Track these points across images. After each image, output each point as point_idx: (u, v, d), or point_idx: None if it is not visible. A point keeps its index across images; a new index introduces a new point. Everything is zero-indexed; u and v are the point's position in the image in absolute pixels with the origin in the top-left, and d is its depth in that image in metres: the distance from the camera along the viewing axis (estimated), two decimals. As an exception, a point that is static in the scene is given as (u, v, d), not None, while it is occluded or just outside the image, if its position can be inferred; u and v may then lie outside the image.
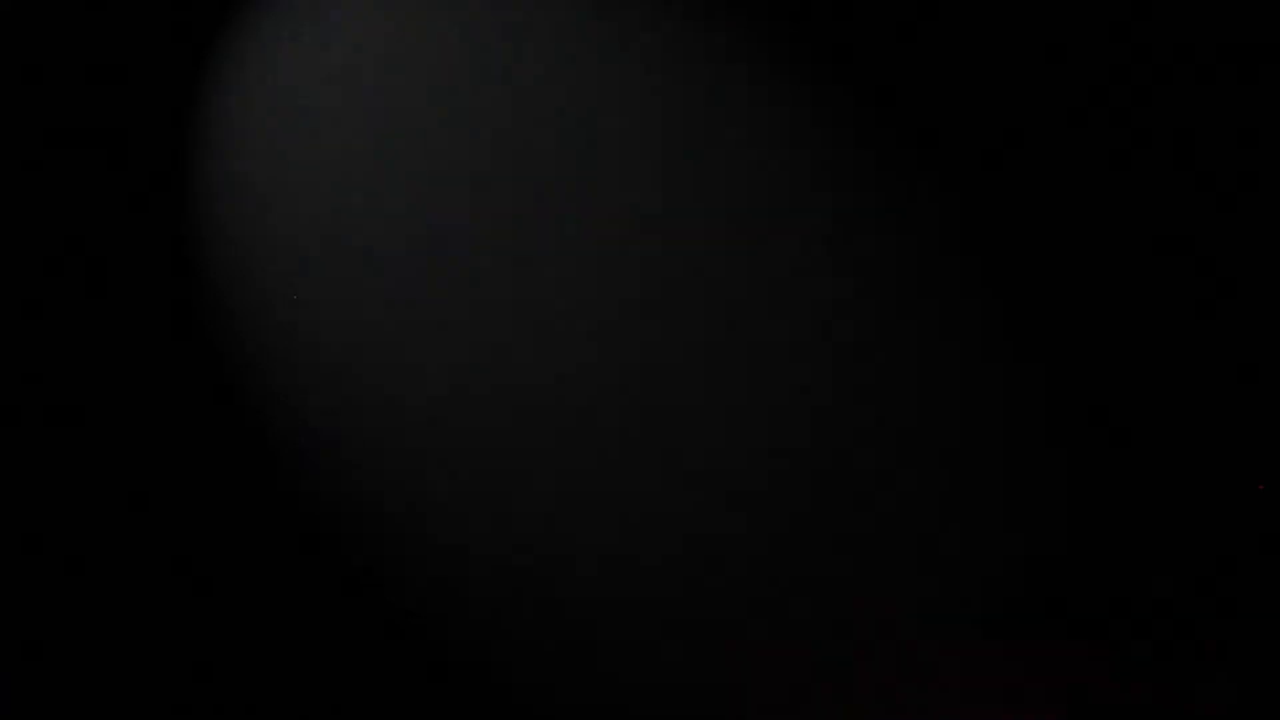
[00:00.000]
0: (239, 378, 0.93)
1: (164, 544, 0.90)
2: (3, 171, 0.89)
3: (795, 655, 0.84)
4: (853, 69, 0.88)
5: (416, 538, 0.93)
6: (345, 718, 0.91)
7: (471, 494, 0.93)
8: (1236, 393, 0.91)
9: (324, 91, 0.92)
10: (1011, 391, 0.85)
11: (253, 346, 0.94)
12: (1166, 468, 0.88)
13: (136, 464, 0.90)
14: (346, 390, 0.93)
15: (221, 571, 0.89)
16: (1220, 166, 0.99)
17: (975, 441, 0.78)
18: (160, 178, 0.90)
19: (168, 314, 0.89)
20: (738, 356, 0.94)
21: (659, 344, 0.92)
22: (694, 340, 0.92)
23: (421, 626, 0.90)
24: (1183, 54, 0.91)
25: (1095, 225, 0.95)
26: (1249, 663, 0.85)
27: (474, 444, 0.93)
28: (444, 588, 0.91)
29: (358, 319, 0.93)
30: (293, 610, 0.90)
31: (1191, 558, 0.86)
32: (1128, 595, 1.00)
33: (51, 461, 0.90)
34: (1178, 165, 0.91)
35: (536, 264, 0.92)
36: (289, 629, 0.90)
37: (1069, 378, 0.89)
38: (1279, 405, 0.92)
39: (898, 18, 0.88)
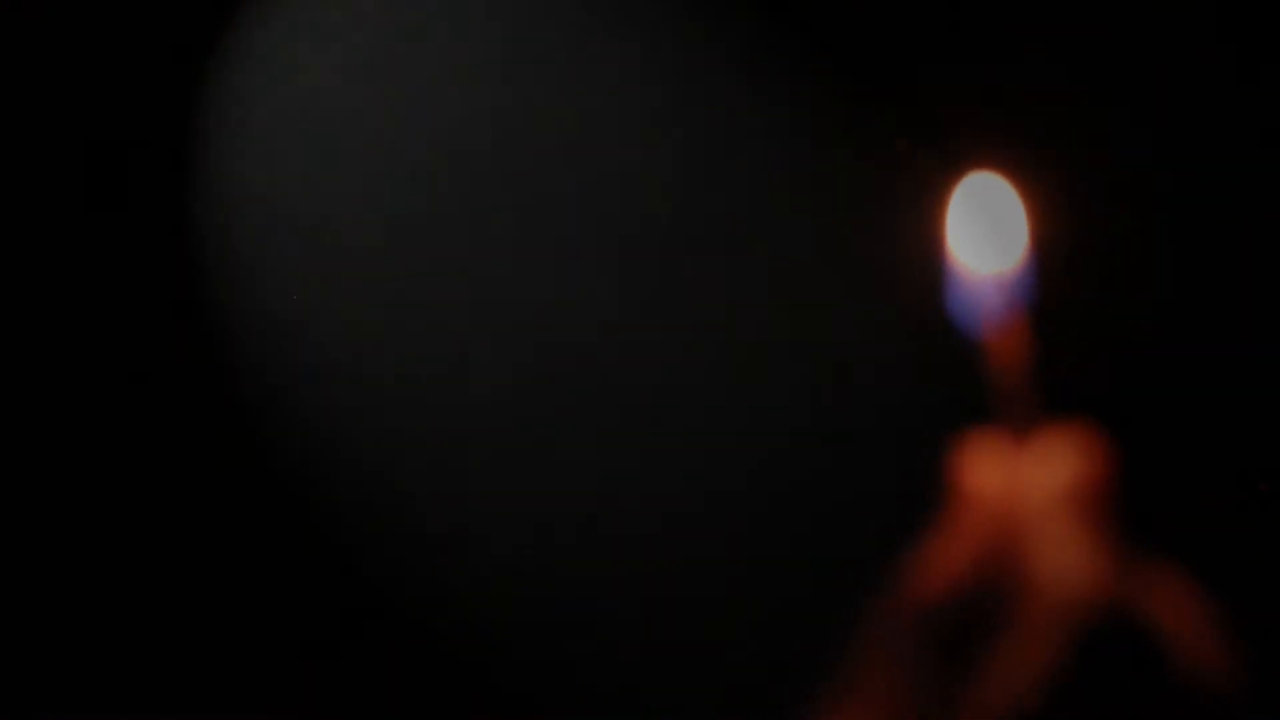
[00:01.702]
0: (238, 377, 0.93)
1: (162, 543, 0.90)
2: (1, 170, 0.89)
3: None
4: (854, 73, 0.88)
5: (414, 536, 0.92)
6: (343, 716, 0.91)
7: (470, 493, 0.93)
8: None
9: (325, 90, 0.92)
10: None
11: (252, 346, 0.94)
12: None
13: (135, 463, 0.90)
14: (347, 390, 0.93)
15: (219, 571, 0.89)
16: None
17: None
18: (159, 177, 0.90)
19: (166, 313, 0.89)
20: (745, 359, 0.94)
21: (663, 345, 0.92)
22: (698, 341, 0.92)
23: (419, 626, 0.90)
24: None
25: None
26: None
27: (476, 444, 0.93)
28: (438, 585, 0.91)
29: (358, 319, 0.92)
30: (290, 610, 0.90)
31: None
32: None
33: (49, 461, 0.90)
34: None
35: (541, 264, 0.92)
36: (286, 629, 0.90)
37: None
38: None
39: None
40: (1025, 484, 0.57)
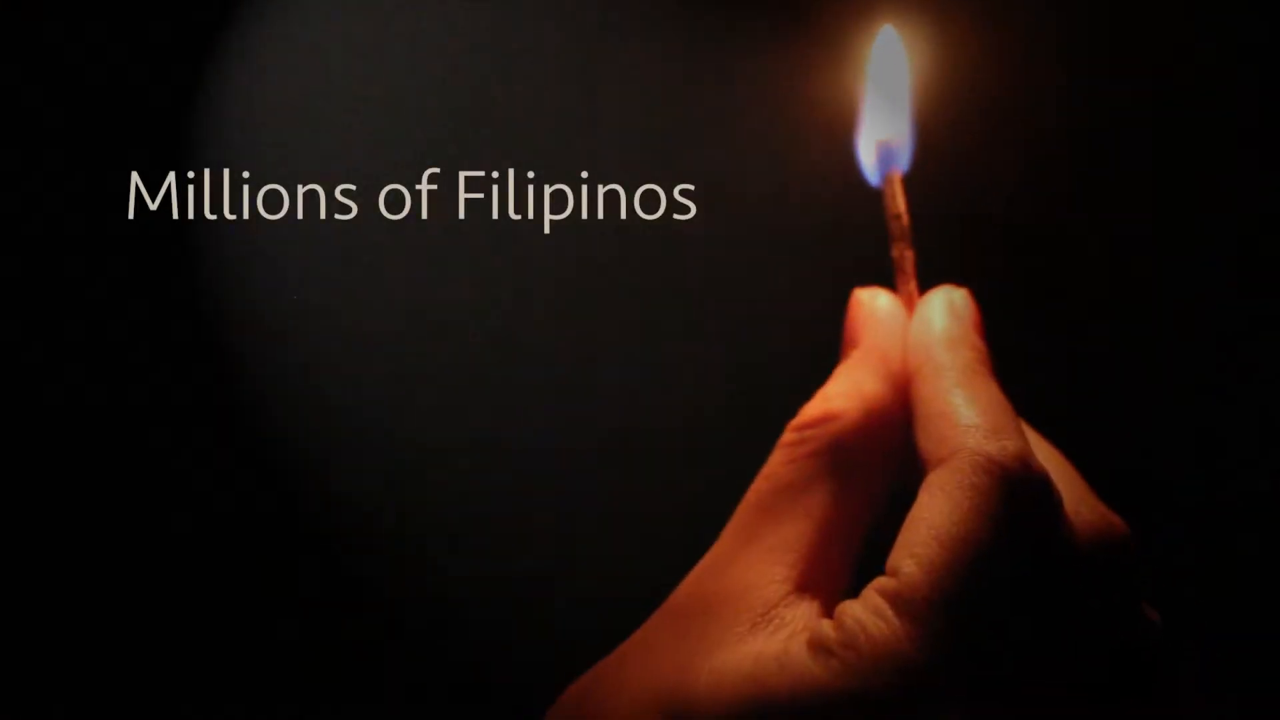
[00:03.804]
0: (237, 377, 0.93)
1: (160, 544, 0.90)
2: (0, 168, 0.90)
3: None
4: None
5: (413, 537, 0.93)
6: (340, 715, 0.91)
7: (469, 493, 0.93)
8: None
9: (325, 90, 0.92)
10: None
11: (251, 346, 0.94)
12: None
13: (133, 462, 0.90)
14: (346, 389, 0.93)
15: (218, 572, 0.89)
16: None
17: None
18: (158, 174, 0.90)
19: (165, 313, 0.89)
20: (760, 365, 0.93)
21: (670, 344, 0.92)
22: (702, 342, 0.92)
23: (417, 626, 0.90)
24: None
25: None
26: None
27: (476, 443, 0.93)
28: (439, 589, 0.91)
29: (357, 318, 0.93)
30: (288, 611, 0.90)
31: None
32: None
33: (48, 461, 0.90)
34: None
35: (540, 262, 0.93)
36: (284, 629, 0.90)
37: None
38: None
39: None
40: (912, 337, 0.57)
